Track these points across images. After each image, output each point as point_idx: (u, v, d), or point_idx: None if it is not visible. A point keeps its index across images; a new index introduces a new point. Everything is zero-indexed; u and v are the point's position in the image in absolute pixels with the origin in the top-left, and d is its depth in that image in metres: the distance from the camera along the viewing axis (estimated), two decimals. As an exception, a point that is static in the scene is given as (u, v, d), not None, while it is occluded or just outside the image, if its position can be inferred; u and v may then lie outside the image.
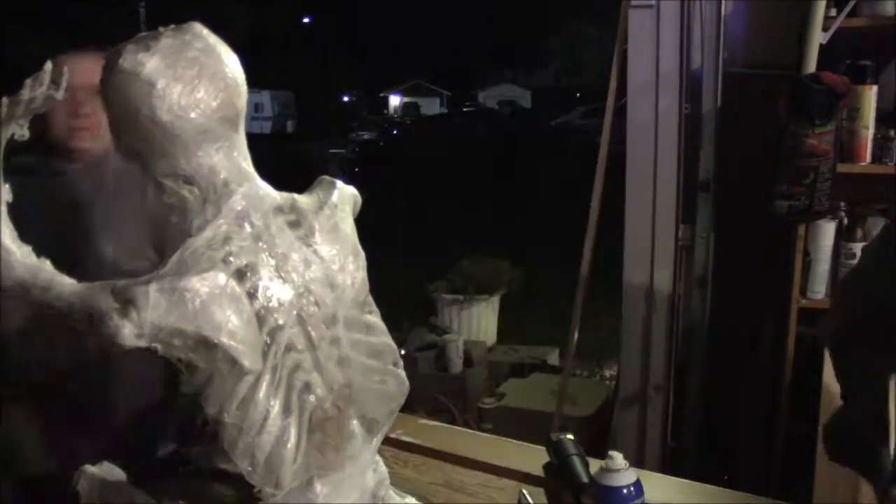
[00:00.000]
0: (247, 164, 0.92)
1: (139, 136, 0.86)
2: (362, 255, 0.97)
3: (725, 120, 2.27)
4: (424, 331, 4.38)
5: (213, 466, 0.87)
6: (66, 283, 0.85)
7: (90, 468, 1.14)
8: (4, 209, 0.89)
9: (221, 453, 0.85)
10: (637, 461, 2.25)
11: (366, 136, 21.32)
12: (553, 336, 4.21)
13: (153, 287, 0.80)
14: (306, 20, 34.60)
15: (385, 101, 41.60)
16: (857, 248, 2.02)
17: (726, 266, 2.31)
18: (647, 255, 2.38)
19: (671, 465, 2.37)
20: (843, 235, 2.07)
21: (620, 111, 2.46)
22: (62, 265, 0.86)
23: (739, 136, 2.23)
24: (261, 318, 0.85)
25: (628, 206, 2.40)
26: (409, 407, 1.15)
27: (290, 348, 0.88)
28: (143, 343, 0.80)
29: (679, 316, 2.41)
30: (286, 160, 9.72)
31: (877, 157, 2.01)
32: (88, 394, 1.37)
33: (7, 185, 0.91)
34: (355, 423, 0.93)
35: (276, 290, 0.87)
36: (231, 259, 0.85)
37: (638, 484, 1.10)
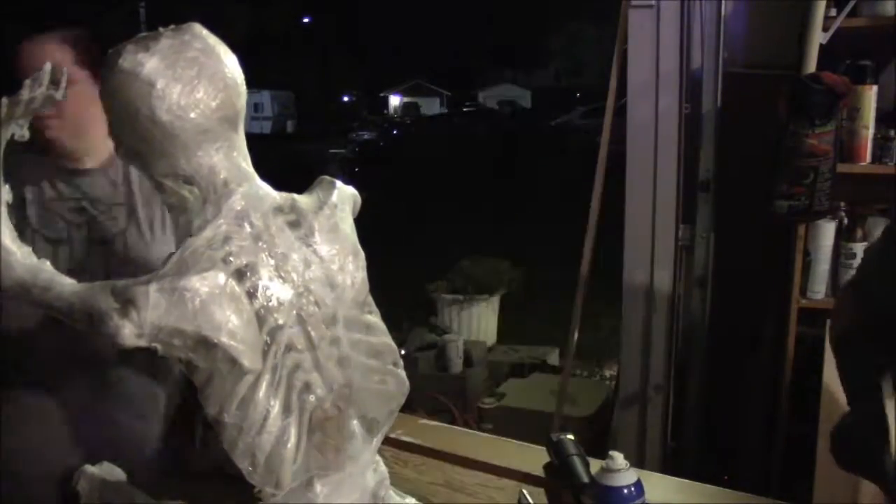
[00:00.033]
0: (246, 164, 0.92)
1: (139, 136, 0.86)
2: (362, 255, 0.97)
3: (725, 120, 2.27)
4: (424, 331, 4.38)
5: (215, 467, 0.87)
6: (66, 283, 0.85)
7: (90, 468, 1.15)
8: (4, 209, 0.89)
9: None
10: (637, 461, 2.25)
11: (366, 136, 21.32)
12: (553, 336, 4.21)
13: (153, 287, 0.80)
14: (306, 20, 34.61)
15: (385, 101, 41.60)
16: (857, 248, 2.02)
17: (726, 266, 2.31)
18: (647, 255, 2.38)
19: (671, 465, 2.37)
20: (843, 235, 2.06)
21: (620, 111, 2.46)
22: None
23: (739, 136, 2.23)
24: (261, 317, 0.85)
25: (628, 206, 2.40)
26: (409, 407, 1.15)
27: (290, 348, 0.88)
28: (143, 343, 0.80)
29: (679, 316, 2.41)
30: (286, 160, 9.72)
31: (877, 157, 2.01)
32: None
33: (7, 186, 0.91)
34: (355, 423, 0.93)
35: (275, 290, 0.87)
36: (231, 259, 0.85)
37: (638, 484, 1.10)
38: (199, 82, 0.86)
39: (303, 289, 0.89)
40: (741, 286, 2.27)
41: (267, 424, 0.86)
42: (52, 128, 1.32)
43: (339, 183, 0.99)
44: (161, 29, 0.88)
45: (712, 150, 2.26)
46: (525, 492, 1.22)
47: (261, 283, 0.86)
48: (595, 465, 1.18)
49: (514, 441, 1.43)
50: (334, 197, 0.97)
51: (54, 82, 0.95)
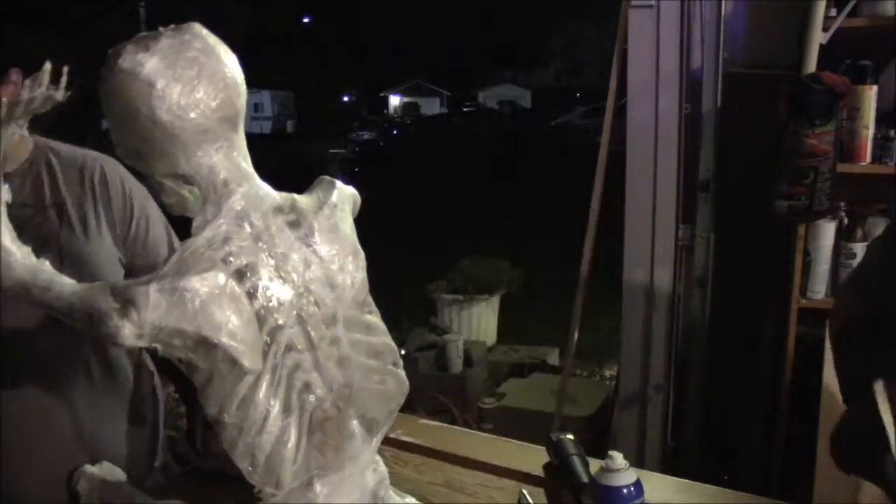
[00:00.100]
0: (246, 164, 0.92)
1: (139, 136, 0.86)
2: (362, 255, 0.97)
3: (725, 120, 2.27)
4: (424, 331, 4.39)
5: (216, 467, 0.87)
6: (66, 283, 0.85)
7: (90, 468, 1.15)
8: (4, 209, 0.89)
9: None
10: (637, 461, 2.25)
11: (366, 136, 21.34)
12: (553, 336, 4.21)
13: (153, 287, 0.80)
14: (306, 20, 34.61)
15: (385, 101, 41.59)
16: (857, 248, 2.03)
17: (726, 266, 2.31)
18: (647, 255, 2.38)
19: (671, 465, 2.37)
20: (843, 235, 2.06)
21: (620, 111, 2.46)
22: None
23: (739, 136, 2.23)
24: (261, 318, 0.85)
25: (628, 206, 2.40)
26: (409, 407, 1.15)
27: (290, 348, 0.88)
28: (143, 343, 0.80)
29: (679, 316, 2.41)
30: (286, 160, 9.73)
31: (877, 157, 2.01)
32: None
33: (7, 185, 0.91)
34: (355, 423, 0.93)
35: (275, 290, 0.87)
36: (231, 259, 0.85)
37: (638, 484, 1.10)
38: (199, 82, 0.86)
39: (303, 289, 0.89)
40: (741, 286, 2.27)
41: (267, 424, 0.86)
42: None
43: (338, 183, 0.99)
44: (161, 29, 0.88)
45: (712, 150, 2.26)
46: (525, 492, 1.22)
47: (261, 284, 0.86)
48: (595, 465, 1.18)
49: (514, 441, 1.43)
50: (334, 197, 0.96)
51: (54, 82, 0.95)
